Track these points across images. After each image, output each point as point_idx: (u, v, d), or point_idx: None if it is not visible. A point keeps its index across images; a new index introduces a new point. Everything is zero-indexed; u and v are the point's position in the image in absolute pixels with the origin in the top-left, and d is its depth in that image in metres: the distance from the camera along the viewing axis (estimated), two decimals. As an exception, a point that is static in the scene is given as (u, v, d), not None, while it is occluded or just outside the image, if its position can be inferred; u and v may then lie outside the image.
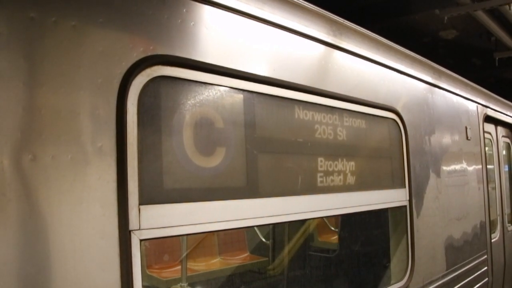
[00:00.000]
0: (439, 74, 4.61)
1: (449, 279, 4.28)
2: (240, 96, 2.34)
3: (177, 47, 2.04)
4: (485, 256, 5.33)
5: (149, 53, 1.90)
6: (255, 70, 2.40)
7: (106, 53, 1.77)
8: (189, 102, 2.10)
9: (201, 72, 2.11)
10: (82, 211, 1.65)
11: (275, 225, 5.55)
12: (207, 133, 2.17)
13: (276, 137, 2.58)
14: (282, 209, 2.48)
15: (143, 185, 1.84)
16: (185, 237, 5.15)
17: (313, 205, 2.71)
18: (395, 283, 3.49)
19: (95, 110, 1.71)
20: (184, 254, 5.06)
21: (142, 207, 1.82)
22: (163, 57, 1.96)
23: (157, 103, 1.96)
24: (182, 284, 4.95)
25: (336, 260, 6.14)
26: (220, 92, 2.24)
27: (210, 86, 2.18)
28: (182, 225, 1.99)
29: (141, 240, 1.80)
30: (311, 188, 2.72)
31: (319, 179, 2.77)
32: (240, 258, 6.24)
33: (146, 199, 1.84)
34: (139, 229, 1.80)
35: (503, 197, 6.51)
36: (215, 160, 2.19)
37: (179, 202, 1.99)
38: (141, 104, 1.86)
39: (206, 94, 2.17)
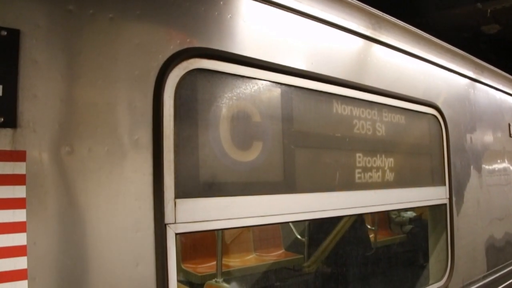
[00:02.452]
0: (481, 69, 4.48)
1: (490, 280, 4.16)
2: (277, 90, 2.32)
3: (214, 40, 2.03)
4: None
5: (186, 46, 1.90)
6: (292, 64, 2.37)
7: (143, 46, 1.77)
8: (226, 95, 2.09)
9: (238, 65, 2.10)
10: (118, 204, 1.66)
11: (311, 221, 5.51)
12: (243, 127, 2.15)
13: (314, 132, 2.54)
14: (319, 205, 2.44)
15: (179, 178, 1.84)
16: (220, 232, 5.17)
17: (351, 201, 2.67)
18: (434, 283, 3.40)
19: (132, 103, 1.72)
20: (220, 250, 5.06)
21: (177, 200, 1.82)
22: (200, 49, 1.95)
23: (194, 96, 1.96)
24: (217, 280, 4.95)
25: (373, 258, 6.06)
26: (257, 86, 2.22)
27: (247, 80, 2.16)
28: (218, 220, 1.98)
29: (176, 234, 1.80)
30: (349, 184, 2.68)
31: (357, 175, 2.72)
32: (275, 255, 6.20)
33: (181, 193, 1.84)
34: (175, 222, 1.80)
35: None
36: (252, 155, 2.17)
37: (215, 196, 1.98)
38: (177, 97, 1.86)
39: (243, 87, 2.15)
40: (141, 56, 1.77)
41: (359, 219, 6.51)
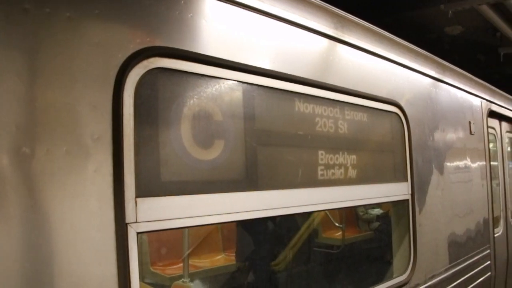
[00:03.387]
0: (443, 69, 4.59)
1: (451, 273, 4.27)
2: (239, 89, 2.33)
3: (175, 39, 2.03)
4: (488, 251, 5.32)
5: (146, 45, 1.89)
6: (254, 63, 2.39)
7: (102, 45, 1.76)
8: (187, 94, 2.09)
9: (200, 64, 2.10)
10: (78, 204, 1.64)
11: (275, 218, 5.56)
12: (205, 125, 2.16)
13: (276, 130, 2.56)
14: (281, 202, 2.47)
15: (139, 177, 1.83)
16: (187, 234, 5.17)
17: (314, 198, 2.70)
18: (397, 276, 3.47)
19: (91, 103, 1.71)
20: (186, 250, 5.07)
21: (139, 199, 1.81)
22: (160, 49, 1.94)
23: (155, 95, 1.95)
24: (184, 280, 4.96)
25: (339, 255, 6.15)
26: (219, 85, 2.22)
27: (209, 79, 2.16)
28: (180, 218, 1.97)
29: (138, 233, 1.79)
30: (312, 181, 2.70)
31: (319, 172, 2.75)
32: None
33: (143, 192, 1.83)
34: (136, 222, 1.79)
35: (506, 193, 6.48)
36: (214, 153, 2.17)
37: (177, 195, 1.98)
38: (138, 96, 1.85)
39: (204, 86, 2.15)
40: (100, 55, 1.76)
41: (326, 216, 6.60)
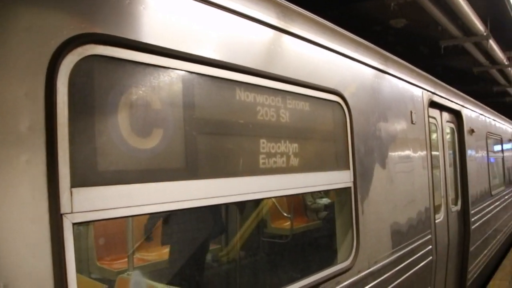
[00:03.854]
0: (385, 60, 4.69)
1: (394, 258, 4.40)
2: (178, 77, 2.30)
3: (111, 26, 1.97)
4: (430, 236, 5.51)
5: (81, 31, 1.83)
6: (196, 52, 2.36)
7: (33, 31, 1.69)
8: (125, 82, 2.03)
9: (137, 52, 2.05)
10: (10, 194, 1.58)
11: (221, 208, 5.59)
12: (143, 114, 2.11)
13: (217, 119, 2.54)
14: (223, 190, 2.45)
15: (75, 167, 1.77)
16: (131, 225, 5.11)
17: (255, 186, 2.70)
18: (341, 262, 3.54)
19: (23, 90, 1.64)
20: (131, 243, 5.02)
21: (74, 189, 1.76)
22: (95, 35, 1.88)
23: (90, 83, 1.90)
24: (129, 273, 4.91)
25: (287, 244, 6.22)
26: (158, 73, 2.18)
27: (147, 66, 2.12)
28: (118, 208, 1.93)
29: (74, 224, 1.74)
30: (253, 169, 2.71)
31: (261, 161, 2.76)
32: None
33: (78, 182, 1.78)
34: (71, 212, 1.74)
35: (447, 180, 6.72)
36: (152, 142, 2.13)
37: (115, 184, 1.93)
38: (72, 84, 1.78)
39: (142, 74, 2.11)
40: (32, 41, 1.69)
41: (275, 207, 6.66)
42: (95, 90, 1.92)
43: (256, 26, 2.85)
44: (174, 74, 2.28)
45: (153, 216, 5.10)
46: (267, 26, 2.93)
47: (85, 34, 1.84)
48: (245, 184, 2.63)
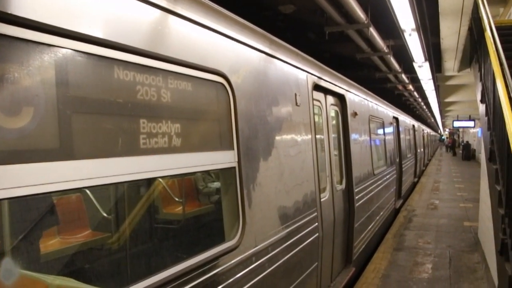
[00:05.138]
0: (270, 43, 4.77)
1: (281, 236, 4.55)
2: (51, 53, 2.17)
3: None
4: (315, 214, 5.74)
5: None
6: (69, 27, 2.24)
7: None
8: None
9: (6, 25, 1.92)
10: None
11: (103, 192, 5.47)
12: (9, 90, 1.98)
13: (93, 98, 2.45)
14: (100, 171, 2.37)
15: None
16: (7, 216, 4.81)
17: (136, 167, 2.65)
18: (228, 241, 3.60)
19: None
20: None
21: None
22: None
23: None
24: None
25: (180, 229, 6.21)
26: (27, 48, 2.05)
27: (14, 40, 1.98)
28: None
29: None
30: (133, 150, 2.65)
31: (141, 141, 2.71)
32: (81, 236, 5.97)
33: None
34: None
35: (331, 160, 7.04)
36: (21, 121, 2.02)
37: None
38: None
39: (8, 48, 1.97)
40: None
41: (164, 190, 6.60)
42: None
43: (141, 5, 2.78)
44: (47, 50, 2.16)
45: None
46: (150, 5, 2.86)
47: None
48: (124, 164, 2.56)
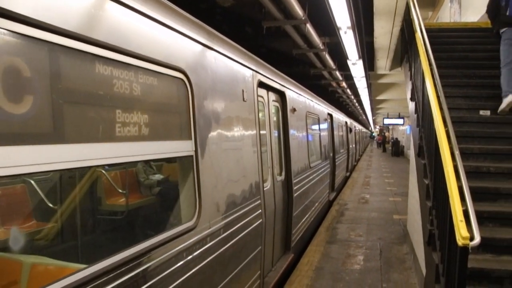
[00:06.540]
0: (218, 40, 4.95)
1: (230, 219, 4.91)
2: (48, 50, 2.36)
3: None
4: (259, 201, 6.13)
5: None
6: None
7: None
8: None
9: None
10: None
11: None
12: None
13: (81, 89, 2.66)
14: (84, 154, 2.59)
15: None
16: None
17: (113, 152, 2.89)
18: (186, 222, 3.93)
19: None
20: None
21: None
22: None
23: None
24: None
25: (144, 211, 6.31)
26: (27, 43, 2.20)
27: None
28: None
29: None
30: (111, 137, 2.90)
31: (117, 129, 2.94)
32: (25, 227, 5.87)
33: None
34: None
35: (273, 153, 7.37)
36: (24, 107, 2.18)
37: None
38: None
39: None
40: None
41: (107, 181, 6.60)
42: None
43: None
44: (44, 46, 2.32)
45: None
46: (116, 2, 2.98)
47: None
48: (104, 149, 2.79)
